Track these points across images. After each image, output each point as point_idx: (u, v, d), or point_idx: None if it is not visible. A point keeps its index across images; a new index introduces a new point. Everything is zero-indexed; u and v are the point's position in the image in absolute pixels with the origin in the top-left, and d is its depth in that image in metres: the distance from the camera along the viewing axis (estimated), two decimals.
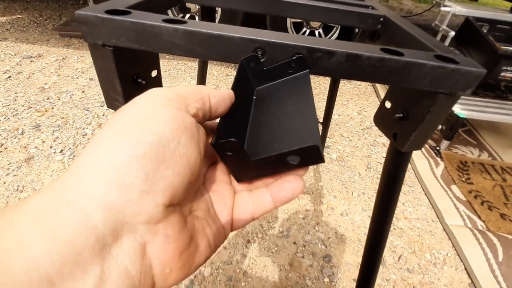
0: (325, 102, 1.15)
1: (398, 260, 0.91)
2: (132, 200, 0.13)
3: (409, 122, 0.33)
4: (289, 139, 0.20)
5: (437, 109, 0.29)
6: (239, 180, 0.21)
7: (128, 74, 0.32)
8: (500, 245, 0.96)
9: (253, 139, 0.21)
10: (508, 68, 1.38)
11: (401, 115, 0.33)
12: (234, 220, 0.20)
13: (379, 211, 0.41)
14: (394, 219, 1.03)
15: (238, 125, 0.22)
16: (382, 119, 0.38)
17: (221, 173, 0.22)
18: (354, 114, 1.68)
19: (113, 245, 0.13)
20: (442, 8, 1.53)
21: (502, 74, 1.40)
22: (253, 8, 0.48)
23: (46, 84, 1.60)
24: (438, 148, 1.40)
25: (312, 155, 0.19)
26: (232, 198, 0.20)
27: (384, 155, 1.38)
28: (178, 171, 0.15)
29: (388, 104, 0.37)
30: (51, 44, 2.06)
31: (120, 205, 0.13)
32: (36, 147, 1.17)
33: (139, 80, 0.34)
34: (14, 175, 1.04)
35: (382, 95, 1.87)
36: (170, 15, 0.27)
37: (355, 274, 0.86)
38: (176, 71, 1.90)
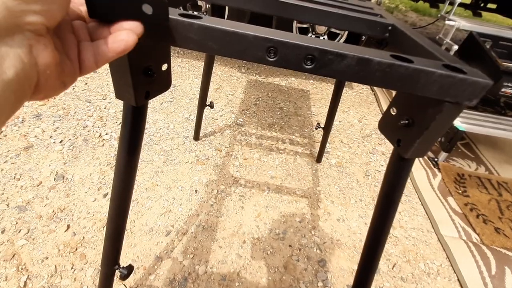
0: (327, 107, 1.16)
1: (393, 268, 0.92)
2: (25, 11, 0.17)
3: (414, 129, 0.33)
4: None
5: (443, 117, 0.30)
6: (92, 14, 0.23)
7: (140, 66, 0.33)
8: (494, 258, 0.96)
9: None
10: (509, 84, 1.40)
11: (406, 121, 0.34)
12: (82, 65, 0.23)
13: (379, 216, 0.42)
14: None
15: None
16: (386, 125, 0.38)
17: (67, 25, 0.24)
18: (354, 121, 1.69)
19: (7, 37, 0.17)
20: (447, 22, 1.55)
21: (503, 90, 1.42)
22: (265, 9, 0.48)
23: None
24: (436, 159, 1.41)
25: (160, 10, 0.23)
26: (76, 45, 0.23)
27: (383, 163, 1.39)
28: (59, 3, 0.19)
29: (393, 111, 0.37)
30: None
31: (17, 11, 0.17)
32: (35, 136, 1.16)
33: (150, 72, 0.35)
34: (12, 163, 1.03)
35: (383, 104, 1.89)
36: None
37: (349, 280, 0.86)
38: (180, 68, 1.91)
